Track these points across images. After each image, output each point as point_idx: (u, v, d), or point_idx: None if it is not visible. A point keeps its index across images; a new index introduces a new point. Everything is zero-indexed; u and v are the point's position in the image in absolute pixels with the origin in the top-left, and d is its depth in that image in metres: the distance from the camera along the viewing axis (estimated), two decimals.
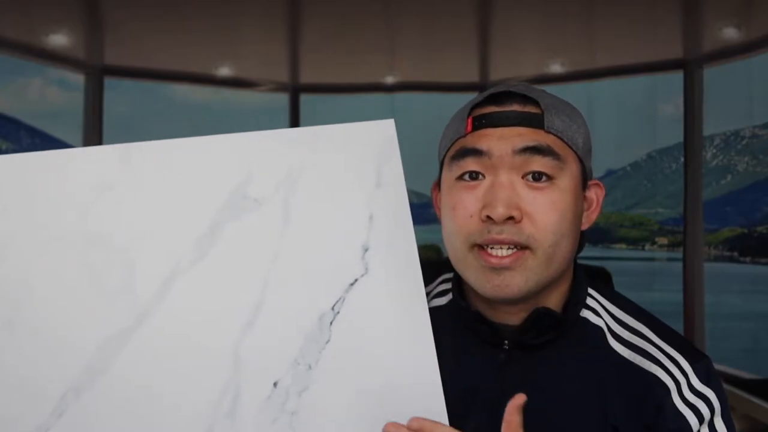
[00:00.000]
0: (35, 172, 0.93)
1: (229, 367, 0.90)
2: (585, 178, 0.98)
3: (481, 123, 0.95)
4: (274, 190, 0.93)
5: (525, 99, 0.95)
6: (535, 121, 0.94)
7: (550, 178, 0.93)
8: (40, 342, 0.90)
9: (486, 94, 0.97)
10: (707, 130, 5.53)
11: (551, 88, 1.03)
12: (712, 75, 5.41)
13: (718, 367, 0.97)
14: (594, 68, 5.81)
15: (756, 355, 8.25)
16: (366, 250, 0.92)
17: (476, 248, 0.93)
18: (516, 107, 0.95)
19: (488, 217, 0.91)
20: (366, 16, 4.82)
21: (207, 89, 6.70)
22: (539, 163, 0.92)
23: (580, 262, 1.04)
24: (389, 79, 6.23)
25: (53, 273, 0.91)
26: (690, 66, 5.35)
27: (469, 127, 0.95)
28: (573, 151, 0.95)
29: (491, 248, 0.92)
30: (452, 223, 0.95)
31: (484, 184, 0.93)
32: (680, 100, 5.44)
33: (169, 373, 0.90)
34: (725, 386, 0.92)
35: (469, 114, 0.96)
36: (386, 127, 0.95)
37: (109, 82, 5.77)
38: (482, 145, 0.93)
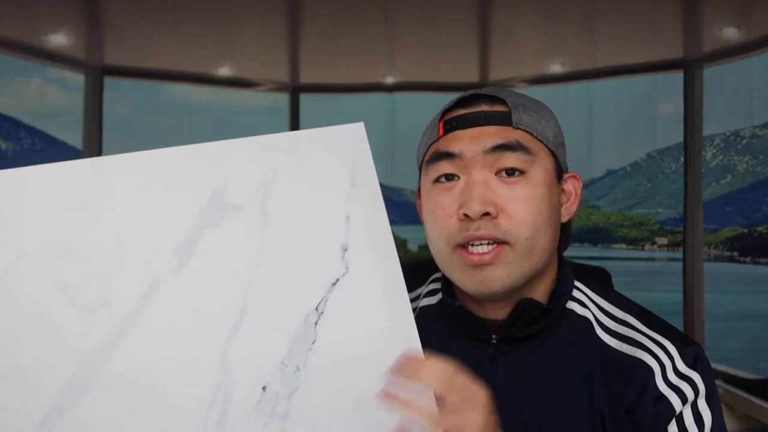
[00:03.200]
0: (4, 190, 0.90)
1: (217, 376, 0.89)
2: (560, 171, 1.01)
3: (451, 126, 0.98)
4: (251, 195, 0.93)
5: (492, 99, 0.99)
6: (503, 119, 0.97)
7: (522, 172, 0.95)
8: (15, 364, 0.87)
9: (456, 98, 1.01)
10: (707, 130, 5.53)
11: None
12: (712, 75, 5.41)
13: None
14: (594, 68, 5.81)
15: (756, 355, 8.26)
16: (345, 249, 0.93)
17: (459, 248, 0.96)
18: (484, 107, 0.98)
19: (465, 215, 0.94)
20: (366, 17, 4.83)
21: (207, 89, 6.70)
22: (510, 159, 0.95)
23: (579, 262, 1.05)
24: (389, 79, 6.23)
25: (25, 291, 0.88)
26: (690, 66, 5.35)
27: (441, 131, 0.99)
28: (543, 144, 0.98)
29: (472, 246, 0.94)
30: (434, 226, 0.98)
31: (460, 184, 0.96)
32: (680, 100, 5.45)
33: (154, 387, 0.88)
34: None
35: (441, 119, 1.00)
36: (357, 130, 0.96)
37: (109, 82, 5.78)
38: (454, 147, 0.96)
